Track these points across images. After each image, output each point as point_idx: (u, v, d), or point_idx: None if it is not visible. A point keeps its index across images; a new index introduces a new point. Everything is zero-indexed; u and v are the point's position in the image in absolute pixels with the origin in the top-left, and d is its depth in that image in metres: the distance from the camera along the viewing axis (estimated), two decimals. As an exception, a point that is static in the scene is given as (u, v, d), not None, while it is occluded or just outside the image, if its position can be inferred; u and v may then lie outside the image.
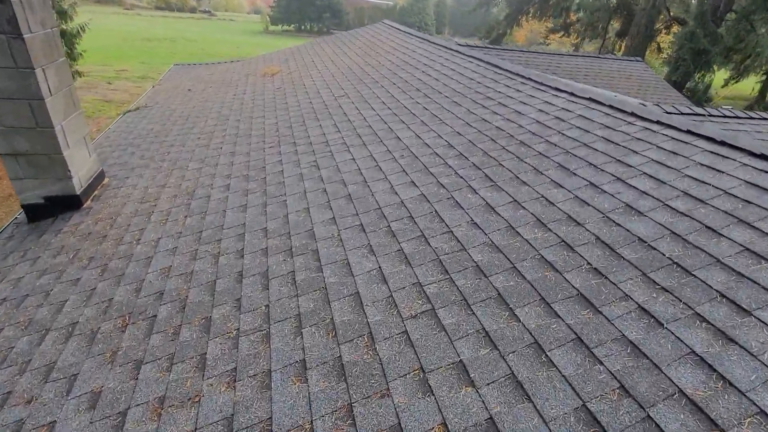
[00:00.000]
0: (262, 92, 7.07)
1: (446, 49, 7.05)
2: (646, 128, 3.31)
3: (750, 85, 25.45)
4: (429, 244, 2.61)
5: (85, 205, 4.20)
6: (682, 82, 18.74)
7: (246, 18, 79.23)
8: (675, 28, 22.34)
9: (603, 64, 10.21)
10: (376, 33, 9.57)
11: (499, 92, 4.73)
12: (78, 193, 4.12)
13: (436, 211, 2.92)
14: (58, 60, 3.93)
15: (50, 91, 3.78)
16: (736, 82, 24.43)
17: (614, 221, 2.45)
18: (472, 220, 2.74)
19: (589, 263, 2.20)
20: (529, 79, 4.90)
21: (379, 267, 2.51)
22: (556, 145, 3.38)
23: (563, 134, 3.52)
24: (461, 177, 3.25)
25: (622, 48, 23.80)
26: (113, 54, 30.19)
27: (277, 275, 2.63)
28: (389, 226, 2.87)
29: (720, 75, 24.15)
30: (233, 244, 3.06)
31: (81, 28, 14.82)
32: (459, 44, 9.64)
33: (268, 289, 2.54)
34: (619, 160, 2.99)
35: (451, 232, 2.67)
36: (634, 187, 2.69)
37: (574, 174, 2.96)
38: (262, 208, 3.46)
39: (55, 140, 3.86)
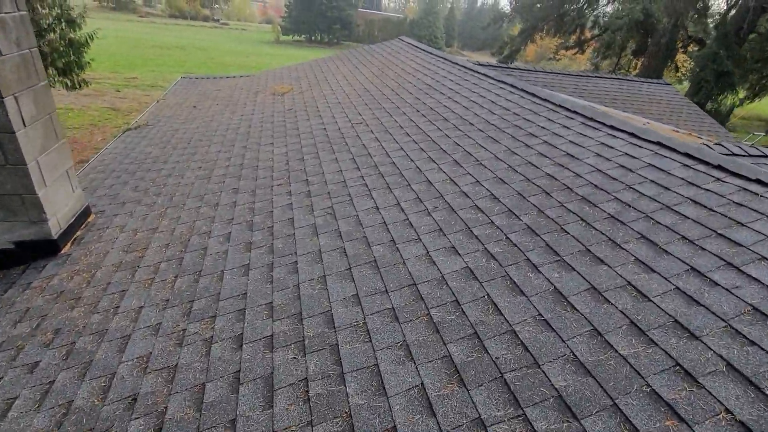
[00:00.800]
0: (272, 114, 6.51)
1: (472, 72, 6.48)
2: (745, 189, 2.67)
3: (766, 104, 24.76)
4: (486, 350, 1.97)
5: (63, 251, 3.59)
6: (703, 103, 18.10)
7: (257, 28, 79.70)
8: (691, 48, 21.77)
9: (631, 87, 9.60)
10: (393, 51, 9.04)
11: (543, 128, 4.11)
12: (55, 237, 3.52)
13: (488, 295, 2.28)
14: (36, 85, 3.35)
15: (24, 122, 3.19)
16: (751, 102, 23.78)
17: (744, 335, 1.80)
18: (540, 315, 2.09)
19: (728, 410, 1.55)
20: (575, 112, 4.28)
21: (422, 383, 1.87)
22: (630, 206, 2.74)
23: (635, 190, 2.88)
24: (515, 245, 2.61)
25: (638, 66, 23.26)
26: (124, 62, 30.07)
27: (285, 384, 1.99)
28: (429, 314, 2.23)
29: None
30: (230, 326, 2.42)
31: (89, 37, 14.44)
32: (480, 65, 9.07)
33: (272, 407, 1.90)
34: (721, 235, 2.34)
35: (514, 332, 2.03)
36: (756, 279, 2.04)
37: (665, 251, 2.31)
38: (267, 271, 2.84)
39: (29, 179, 3.27)
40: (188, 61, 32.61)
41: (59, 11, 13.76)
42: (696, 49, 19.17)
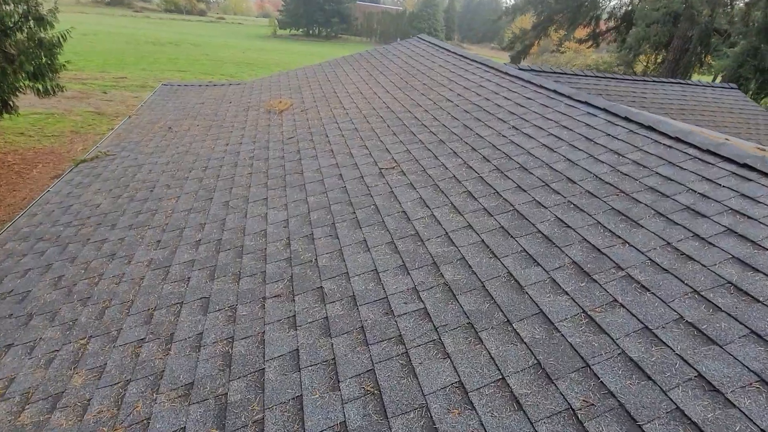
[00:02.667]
0: (266, 144, 4.83)
1: (524, 82, 4.80)
2: None
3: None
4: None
5: None
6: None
7: (254, 22, 77.07)
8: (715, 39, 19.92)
9: (696, 94, 7.93)
10: (413, 53, 7.32)
11: (678, 183, 2.48)
12: None
13: None
14: None
15: None
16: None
17: None
18: None
19: None
20: (691, 144, 2.64)
21: None
22: None
23: None
24: None
25: (658, 60, 21.45)
26: (114, 60, 28.10)
27: None
28: None
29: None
30: None
31: (62, 36, 12.60)
32: (523, 69, 7.36)
33: None
34: None
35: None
36: None
37: None
38: None
39: None
40: (181, 58, 30.62)
41: (26, 8, 11.94)
42: (723, 43, 17.34)
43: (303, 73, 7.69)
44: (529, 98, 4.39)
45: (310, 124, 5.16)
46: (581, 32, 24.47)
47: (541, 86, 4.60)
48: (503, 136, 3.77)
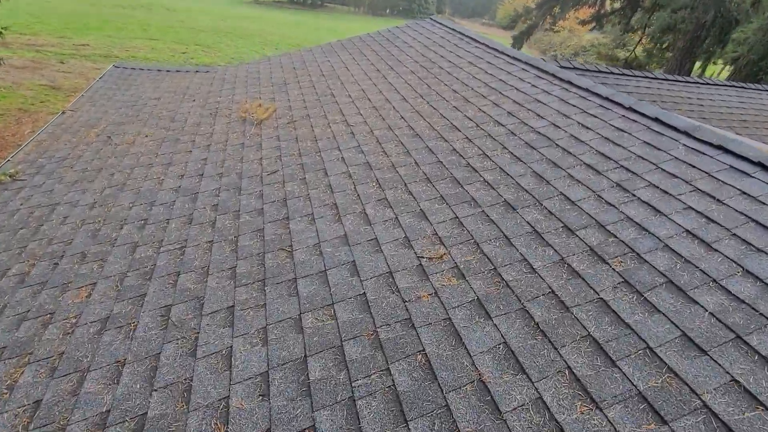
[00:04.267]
0: (237, 182, 3.31)
1: (601, 99, 3.39)
2: None
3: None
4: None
5: None
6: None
7: (234, -15, 71.46)
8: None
9: (753, 100, 6.65)
10: (429, 41, 5.72)
11: None
12: None
13: None
14: None
15: None
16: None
17: None
18: None
19: None
20: None
21: None
22: None
23: None
24: None
25: (668, 48, 20.10)
26: (76, 24, 24.98)
27: None
28: None
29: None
30: None
31: (-6, -2, 10.33)
32: (563, 68, 5.89)
33: None
34: None
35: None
36: None
37: None
38: None
39: None
40: (153, 25, 27.58)
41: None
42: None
43: (290, 62, 6.00)
44: (621, 130, 2.98)
45: (300, 147, 3.64)
46: (585, 12, 22.80)
47: (631, 109, 3.19)
48: (610, 204, 2.38)
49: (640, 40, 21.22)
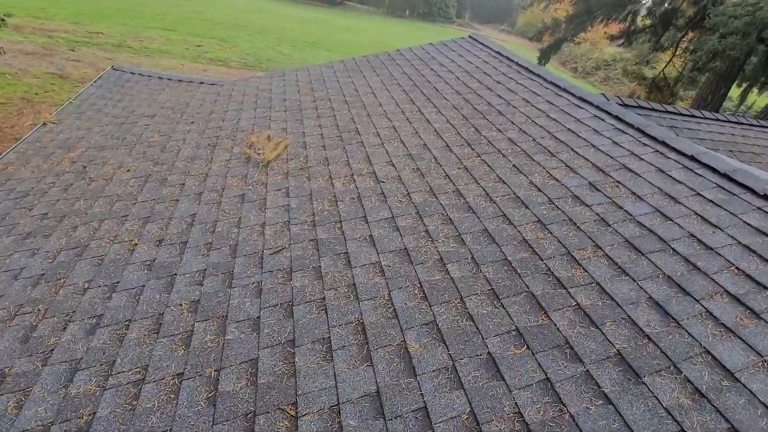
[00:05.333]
0: (230, 261, 2.48)
1: (677, 154, 2.52)
2: None
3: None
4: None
5: None
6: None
7: (255, -23, 70.67)
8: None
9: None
10: (471, 66, 4.82)
11: None
12: None
13: None
14: None
15: None
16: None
17: None
18: None
19: None
20: None
21: None
22: None
23: None
24: None
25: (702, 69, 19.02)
26: (91, 10, 24.31)
27: None
28: None
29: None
30: None
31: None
32: (625, 105, 4.98)
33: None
34: None
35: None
36: None
37: None
38: None
39: None
40: (169, 14, 26.85)
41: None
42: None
43: (307, 80, 5.13)
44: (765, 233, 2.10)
45: (315, 210, 2.78)
46: (614, 28, 21.71)
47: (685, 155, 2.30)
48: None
49: (671, 59, 20.14)
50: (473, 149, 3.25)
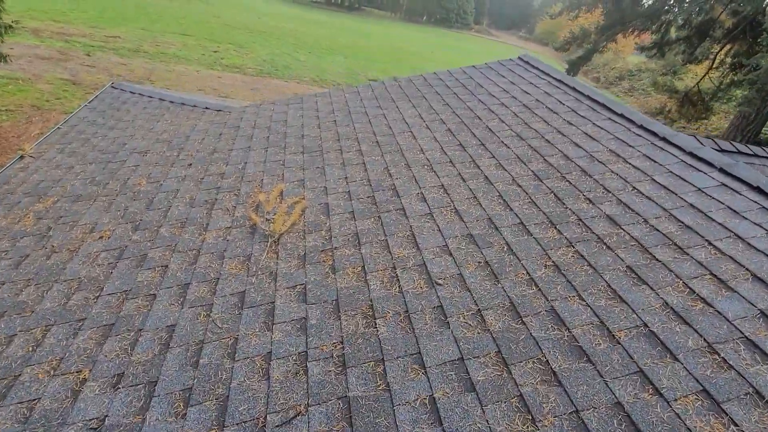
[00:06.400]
0: (219, 405, 1.63)
1: None
2: None
3: None
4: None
5: None
6: None
7: (274, -19, 70.60)
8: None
9: None
10: (528, 96, 3.88)
11: None
12: None
13: None
14: None
15: None
16: None
17: None
18: None
19: None
20: None
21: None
22: None
23: None
24: None
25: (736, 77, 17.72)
26: (111, 13, 23.97)
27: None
28: None
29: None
30: None
31: (3, -12, 8.97)
32: (726, 150, 3.98)
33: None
34: None
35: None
36: None
37: None
38: None
39: None
40: (187, 18, 26.40)
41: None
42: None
43: (329, 109, 4.26)
44: None
45: (343, 330, 1.89)
46: (645, 38, 20.45)
47: None
48: None
49: (707, 72, 18.84)
50: (560, 232, 2.32)
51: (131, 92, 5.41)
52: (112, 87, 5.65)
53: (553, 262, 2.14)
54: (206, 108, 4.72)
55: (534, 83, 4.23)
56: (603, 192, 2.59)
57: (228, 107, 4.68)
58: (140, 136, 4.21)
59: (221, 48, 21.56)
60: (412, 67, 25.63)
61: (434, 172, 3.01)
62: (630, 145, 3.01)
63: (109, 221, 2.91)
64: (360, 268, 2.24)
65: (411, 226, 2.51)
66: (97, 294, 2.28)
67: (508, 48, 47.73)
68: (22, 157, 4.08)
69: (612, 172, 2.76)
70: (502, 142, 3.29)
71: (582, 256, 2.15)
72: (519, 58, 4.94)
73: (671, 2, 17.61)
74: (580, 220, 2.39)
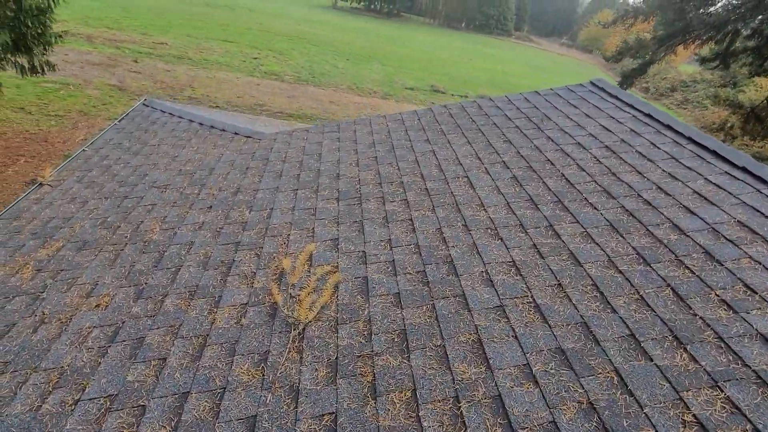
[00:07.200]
0: None
1: None
2: None
3: None
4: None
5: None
6: None
7: (316, -12, 71.71)
8: None
9: None
10: (602, 131, 3.14)
11: None
12: None
13: None
14: None
15: None
16: None
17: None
18: None
19: None
20: None
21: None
22: None
23: None
24: None
25: None
26: (160, 21, 24.73)
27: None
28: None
29: None
30: None
31: (54, 0, 9.06)
32: None
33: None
34: None
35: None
36: None
37: None
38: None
39: None
40: (232, 25, 26.87)
41: (1, -47, 8.43)
42: None
43: (369, 141, 3.69)
44: None
45: None
46: (704, 48, 18.72)
47: None
48: None
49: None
50: (693, 357, 1.62)
51: (162, 111, 5.08)
52: (144, 104, 5.36)
53: (694, 415, 1.44)
54: (236, 133, 4.28)
55: (615, 117, 3.48)
56: (745, 291, 1.86)
57: (258, 133, 4.21)
58: (163, 165, 3.81)
59: (261, 55, 21.68)
60: (449, 75, 24.86)
61: (501, 239, 2.36)
62: (765, 215, 2.25)
63: (111, 281, 2.45)
64: (410, 394, 1.64)
65: (476, 327, 1.87)
66: (77, 397, 1.79)
67: (550, 55, 45.82)
68: (41, 185, 3.77)
69: (751, 259, 2.02)
70: (586, 199, 2.59)
71: (731, 401, 1.45)
72: (591, 83, 4.19)
73: (741, 10, 15.96)
74: (720, 338, 1.68)
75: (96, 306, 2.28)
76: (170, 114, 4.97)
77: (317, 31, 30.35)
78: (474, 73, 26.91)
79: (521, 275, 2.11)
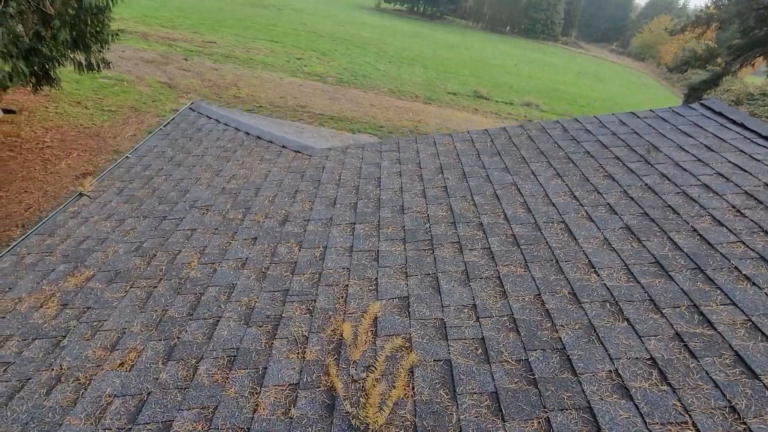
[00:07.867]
0: None
1: None
2: None
3: None
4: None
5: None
6: None
7: (360, -10, 71.94)
8: None
9: None
10: (726, 165, 2.44)
11: None
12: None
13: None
14: None
15: None
16: None
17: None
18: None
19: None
20: None
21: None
22: None
23: None
24: None
25: None
26: (211, 20, 25.31)
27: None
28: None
29: None
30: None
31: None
32: None
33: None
34: None
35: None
36: None
37: None
38: None
39: None
40: (279, 25, 27.14)
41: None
42: None
43: (436, 167, 3.16)
44: None
45: None
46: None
47: None
48: None
49: None
50: None
51: (208, 116, 4.78)
52: (190, 109, 5.09)
53: None
54: (284, 146, 3.88)
55: (746, 151, 2.77)
56: None
57: (308, 148, 3.79)
58: (206, 181, 3.45)
59: (305, 55, 21.65)
60: (494, 80, 23.89)
61: (627, 321, 1.77)
62: None
63: (140, 330, 2.07)
64: None
65: (618, 469, 1.31)
66: (85, 507, 1.39)
67: (601, 62, 43.43)
68: (81, 195, 3.51)
69: None
70: (737, 269, 1.94)
71: None
72: (701, 104, 3.47)
73: (836, 18, 14.18)
74: None
75: (120, 365, 1.89)
76: (216, 120, 4.66)
77: (361, 33, 30.15)
78: (522, 80, 25.74)
79: (669, 385, 1.52)
